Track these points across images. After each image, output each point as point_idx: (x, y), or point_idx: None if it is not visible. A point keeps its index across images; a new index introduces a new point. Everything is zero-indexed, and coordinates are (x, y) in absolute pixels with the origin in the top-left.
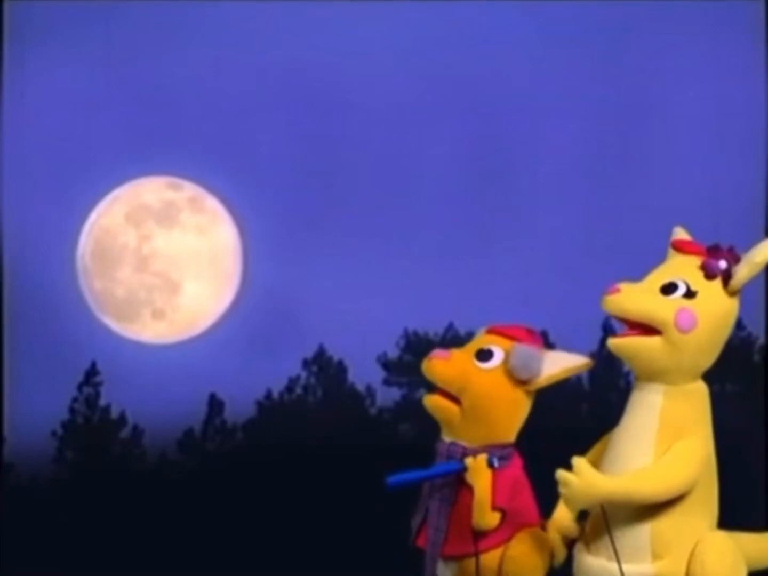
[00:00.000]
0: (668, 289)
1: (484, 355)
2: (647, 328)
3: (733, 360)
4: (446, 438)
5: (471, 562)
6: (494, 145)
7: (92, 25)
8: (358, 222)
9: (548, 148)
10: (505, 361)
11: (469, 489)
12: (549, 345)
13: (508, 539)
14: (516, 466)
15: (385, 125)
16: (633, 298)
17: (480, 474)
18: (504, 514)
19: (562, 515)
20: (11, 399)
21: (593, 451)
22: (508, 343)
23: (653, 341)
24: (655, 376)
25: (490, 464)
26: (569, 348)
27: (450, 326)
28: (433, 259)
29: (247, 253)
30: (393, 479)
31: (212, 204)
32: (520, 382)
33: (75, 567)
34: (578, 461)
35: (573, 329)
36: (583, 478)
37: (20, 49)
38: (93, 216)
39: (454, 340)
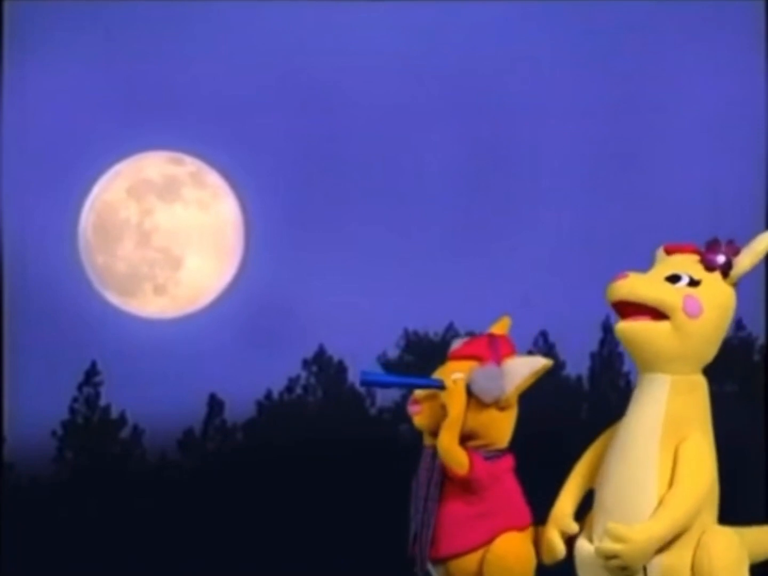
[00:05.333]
0: (673, 279)
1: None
2: (655, 315)
3: (733, 360)
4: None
5: (458, 564)
6: (495, 145)
7: (92, 25)
8: (358, 223)
9: (548, 148)
10: (470, 387)
11: (455, 490)
12: (549, 345)
13: (488, 541)
14: (503, 464)
15: (386, 125)
16: (642, 283)
17: (456, 396)
18: (478, 490)
19: (561, 511)
20: (11, 399)
21: (598, 444)
22: (467, 365)
23: (662, 326)
24: (660, 364)
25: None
26: (569, 348)
27: (450, 326)
28: (433, 259)
29: (248, 228)
30: (367, 375)
31: (214, 179)
32: (492, 403)
33: (75, 566)
34: (615, 528)
35: (573, 329)
36: (632, 543)
37: (21, 46)
38: (95, 190)
39: (454, 340)
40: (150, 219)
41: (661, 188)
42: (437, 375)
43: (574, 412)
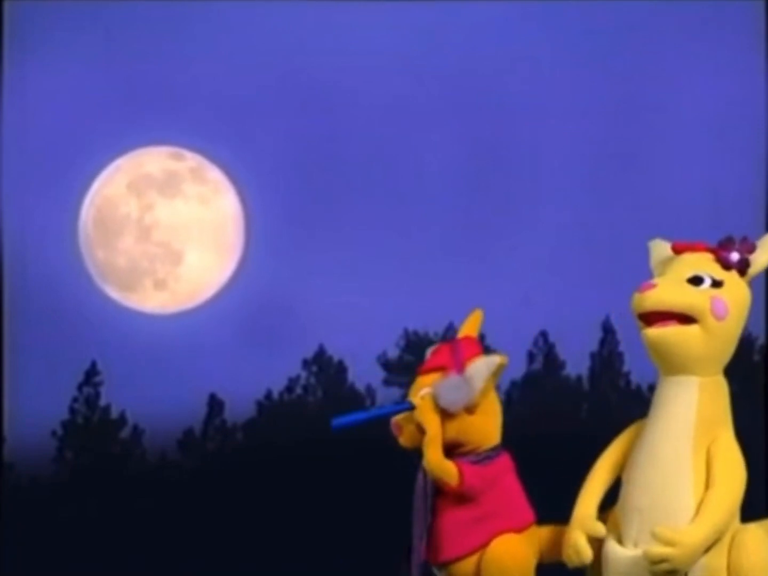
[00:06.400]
0: (695, 281)
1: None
2: (681, 319)
3: (733, 360)
4: None
5: (458, 567)
6: (495, 145)
7: (92, 25)
8: (358, 222)
9: (548, 148)
10: (436, 401)
11: (452, 497)
12: (549, 345)
13: (487, 544)
14: (498, 464)
15: (386, 125)
16: (671, 290)
17: (427, 413)
18: (474, 496)
19: (584, 513)
20: (11, 399)
21: (618, 445)
22: (434, 378)
23: (693, 329)
24: (688, 367)
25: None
26: (569, 348)
27: (450, 326)
28: (433, 259)
29: (249, 224)
30: (338, 421)
31: (215, 174)
32: (463, 410)
33: (75, 566)
34: (664, 532)
35: (573, 329)
36: (682, 546)
37: (21, 46)
38: (95, 185)
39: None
40: (150, 214)
41: (661, 188)
42: (410, 394)
43: (574, 412)
